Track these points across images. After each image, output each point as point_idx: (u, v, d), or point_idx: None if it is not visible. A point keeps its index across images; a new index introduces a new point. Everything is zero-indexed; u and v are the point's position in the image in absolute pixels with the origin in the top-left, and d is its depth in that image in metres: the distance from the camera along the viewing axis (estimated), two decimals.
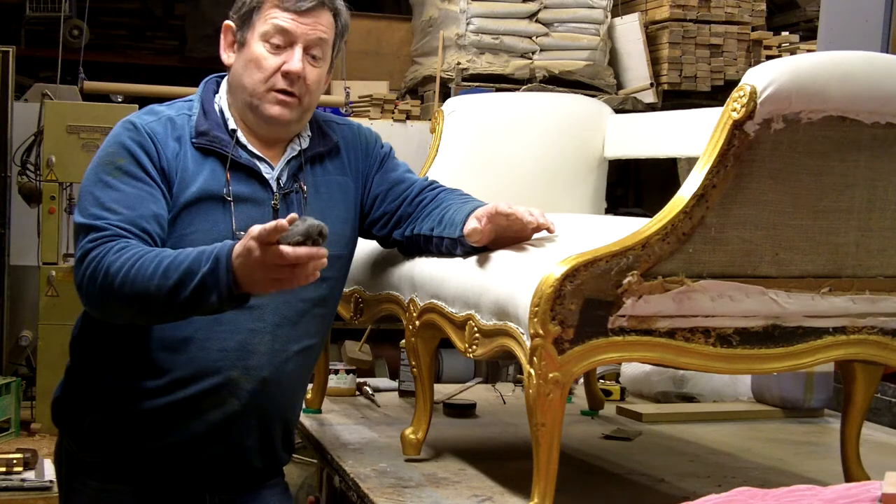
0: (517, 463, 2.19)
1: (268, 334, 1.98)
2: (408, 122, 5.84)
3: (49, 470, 3.78)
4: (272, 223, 1.67)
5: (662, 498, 2.07)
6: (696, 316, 1.78)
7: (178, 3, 7.68)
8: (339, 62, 5.93)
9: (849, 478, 2.11)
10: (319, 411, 2.72)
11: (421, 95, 6.26)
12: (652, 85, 6.08)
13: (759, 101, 1.70)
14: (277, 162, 2.05)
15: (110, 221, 1.85)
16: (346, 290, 2.33)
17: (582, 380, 2.86)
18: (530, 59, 6.02)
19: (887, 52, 3.45)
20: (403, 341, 2.35)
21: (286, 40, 1.99)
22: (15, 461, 3.86)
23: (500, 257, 1.93)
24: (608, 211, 2.84)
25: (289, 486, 2.21)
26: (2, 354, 5.02)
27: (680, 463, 2.38)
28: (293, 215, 1.69)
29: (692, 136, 2.40)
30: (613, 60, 6.31)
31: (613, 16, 6.25)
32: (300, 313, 2.03)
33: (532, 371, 1.71)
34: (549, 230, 1.96)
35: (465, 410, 2.79)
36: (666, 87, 6.11)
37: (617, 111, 2.87)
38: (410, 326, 2.16)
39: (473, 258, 1.98)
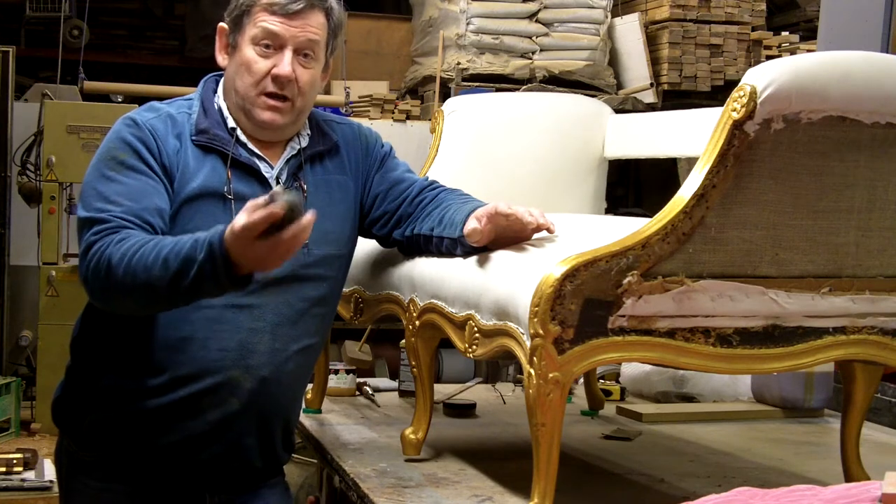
0: (517, 463, 2.19)
1: (267, 334, 1.98)
2: (408, 122, 5.83)
3: (49, 470, 3.78)
4: (259, 214, 1.64)
5: (662, 498, 2.07)
6: (696, 316, 1.78)
7: (178, 3, 7.68)
8: (338, 62, 5.94)
9: (849, 478, 2.11)
10: (319, 411, 2.72)
11: (421, 95, 6.25)
12: (652, 85, 6.08)
13: (759, 101, 1.70)
14: (277, 161, 2.05)
15: (114, 213, 1.84)
16: (346, 290, 2.33)
17: (582, 380, 2.86)
18: (530, 59, 6.02)
19: (887, 52, 3.45)
20: (403, 341, 2.35)
21: (276, 43, 1.98)
22: (15, 461, 3.85)
23: (500, 257, 1.93)
24: (608, 211, 2.84)
25: (289, 485, 2.21)
26: (2, 354, 5.02)
27: (680, 463, 2.38)
28: (266, 197, 1.66)
29: (692, 136, 2.39)
30: (613, 60, 6.31)
31: (613, 16, 6.25)
32: (300, 313, 2.03)
33: (532, 371, 1.71)
34: (549, 230, 1.96)
35: (465, 410, 2.79)
36: (666, 87, 6.10)
37: (617, 111, 2.87)
38: (410, 326, 2.16)
39: (473, 258, 1.98)
